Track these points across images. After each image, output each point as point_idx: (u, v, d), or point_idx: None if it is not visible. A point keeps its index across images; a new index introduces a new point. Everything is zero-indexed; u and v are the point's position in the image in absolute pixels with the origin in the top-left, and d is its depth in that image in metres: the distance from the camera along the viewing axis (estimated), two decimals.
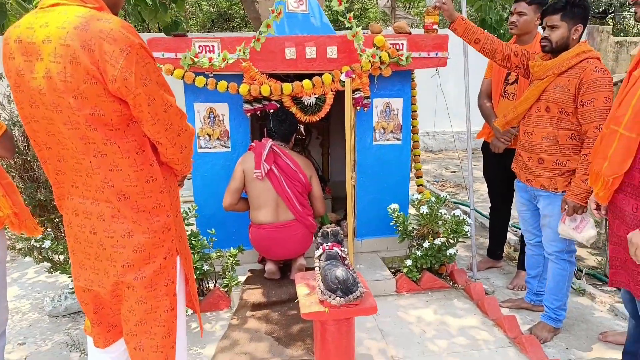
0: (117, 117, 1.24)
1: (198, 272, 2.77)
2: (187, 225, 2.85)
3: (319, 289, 1.92)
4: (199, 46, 2.80)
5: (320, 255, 2.07)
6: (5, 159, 2.58)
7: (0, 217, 1.76)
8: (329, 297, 1.87)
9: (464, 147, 3.75)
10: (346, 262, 2.05)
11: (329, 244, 2.06)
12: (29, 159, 2.73)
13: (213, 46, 2.82)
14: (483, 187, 5.49)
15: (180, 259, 1.46)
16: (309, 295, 2.00)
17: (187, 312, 2.51)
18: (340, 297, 1.86)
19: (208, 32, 11.39)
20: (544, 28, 2.33)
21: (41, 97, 1.22)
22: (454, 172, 7.01)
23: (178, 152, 1.37)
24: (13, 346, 2.53)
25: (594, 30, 8.13)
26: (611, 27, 8.08)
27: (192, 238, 2.79)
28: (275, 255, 3.00)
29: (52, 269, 2.77)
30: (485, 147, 3.26)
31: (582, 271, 3.27)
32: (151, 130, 1.29)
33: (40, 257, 2.64)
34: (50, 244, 2.57)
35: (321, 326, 1.97)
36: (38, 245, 2.57)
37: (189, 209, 2.89)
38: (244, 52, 2.75)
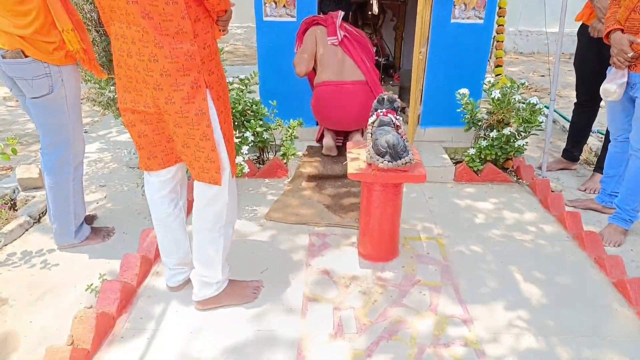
0: None
1: (258, 140, 2.86)
2: (249, 92, 2.88)
3: (368, 153, 1.89)
4: None
5: (373, 122, 2.01)
6: (82, 12, 2.68)
7: (70, 52, 1.86)
8: (377, 160, 1.83)
9: (562, 50, 3.10)
10: (400, 130, 1.97)
11: (384, 110, 1.98)
12: None
13: None
14: (572, 94, 4.96)
15: (211, 93, 1.46)
16: (357, 160, 1.98)
17: (241, 172, 2.64)
18: (389, 162, 1.82)
19: None
20: None
21: None
22: (542, 75, 6.34)
23: None
24: (95, 187, 2.86)
25: None
26: None
27: (253, 105, 2.83)
28: (334, 118, 2.96)
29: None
30: (582, 31, 2.83)
31: None
32: None
33: (117, 110, 2.82)
34: None
35: (367, 190, 1.98)
36: (112, 96, 2.75)
37: (250, 75, 2.90)
38: None
